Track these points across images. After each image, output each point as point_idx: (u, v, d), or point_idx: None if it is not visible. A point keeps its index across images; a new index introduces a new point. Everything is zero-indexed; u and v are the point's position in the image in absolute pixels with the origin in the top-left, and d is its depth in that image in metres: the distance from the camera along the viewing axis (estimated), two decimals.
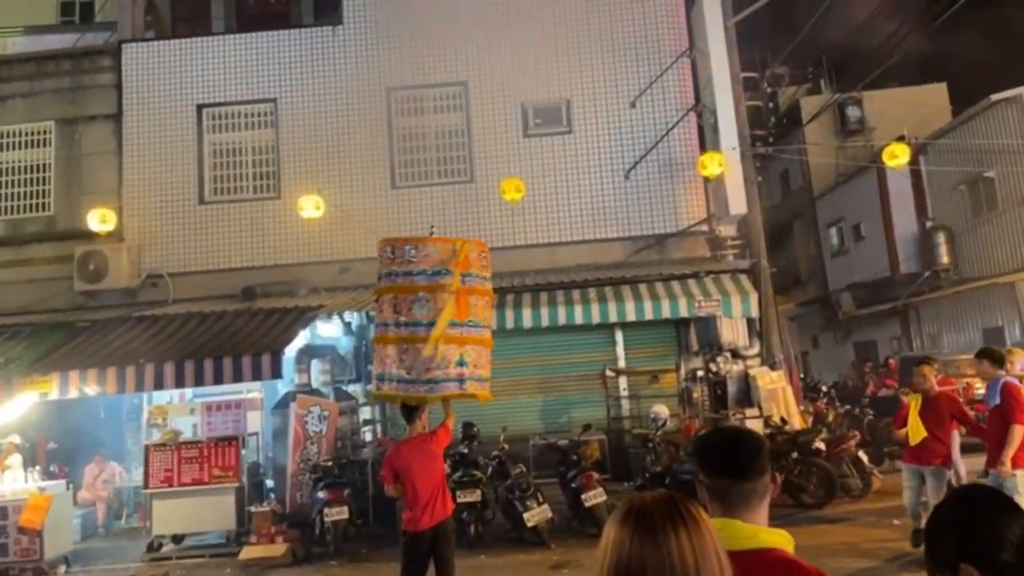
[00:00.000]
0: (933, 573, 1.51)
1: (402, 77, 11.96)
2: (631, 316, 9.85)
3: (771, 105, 21.97)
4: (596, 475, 8.08)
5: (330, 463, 9.18)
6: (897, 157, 10.24)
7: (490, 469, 8.42)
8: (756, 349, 10.73)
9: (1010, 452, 5.38)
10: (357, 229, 11.46)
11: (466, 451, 8.67)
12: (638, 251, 11.44)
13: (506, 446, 8.72)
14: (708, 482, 1.75)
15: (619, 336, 11.29)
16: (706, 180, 11.08)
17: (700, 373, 10.60)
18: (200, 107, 12.07)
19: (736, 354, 10.65)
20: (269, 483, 10.28)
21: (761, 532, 1.70)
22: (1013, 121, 16.16)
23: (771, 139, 19.74)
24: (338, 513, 8.33)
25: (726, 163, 10.22)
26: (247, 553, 8.35)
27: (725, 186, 10.66)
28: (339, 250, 11.54)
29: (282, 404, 10.28)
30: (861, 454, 9.11)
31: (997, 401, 5.60)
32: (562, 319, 9.85)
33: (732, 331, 10.55)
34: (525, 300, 9.95)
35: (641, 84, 11.63)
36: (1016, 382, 5.78)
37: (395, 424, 10.99)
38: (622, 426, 10.81)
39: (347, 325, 11.56)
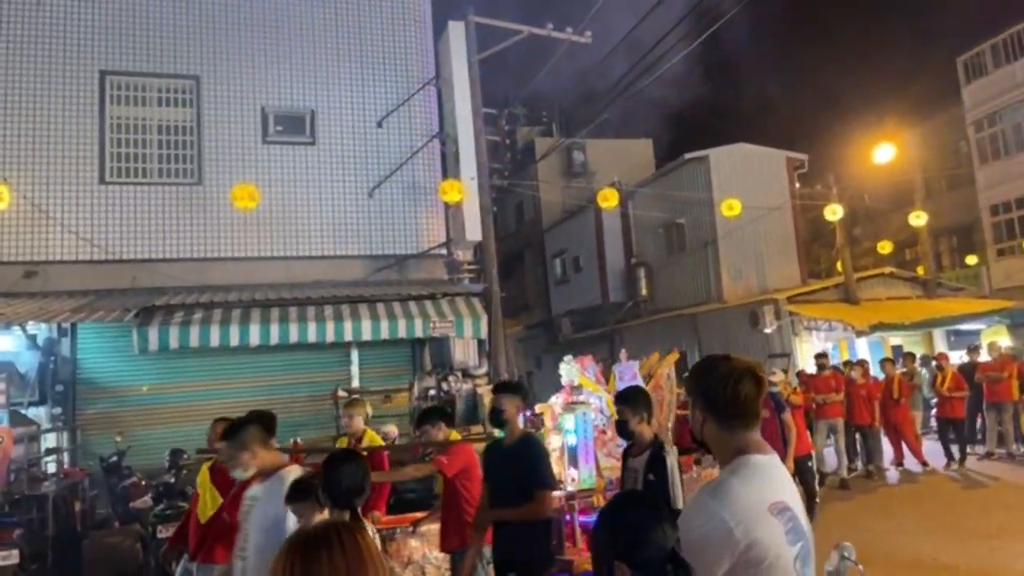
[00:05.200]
0: (597, 571, 1.71)
1: (121, 62, 10.67)
2: (367, 335, 9.76)
3: (508, 142, 23.60)
4: None
5: None
6: (608, 200, 11.62)
7: None
8: (485, 369, 11.29)
9: None
10: (53, 226, 9.91)
11: (172, 481, 7.86)
12: (378, 270, 11.43)
13: None
14: None
15: (355, 355, 11.11)
16: (446, 206, 11.47)
17: (432, 392, 10.86)
18: None
19: (466, 373, 11.12)
20: None
21: None
22: (701, 177, 19.26)
23: (507, 173, 21.20)
24: (4, 558, 7.00)
25: (465, 191, 10.69)
26: None
27: (463, 213, 11.15)
28: (26, 250, 9.86)
29: None
30: None
31: None
32: (294, 337, 9.42)
33: (464, 351, 11.00)
34: (253, 316, 9.35)
35: (388, 105, 11.73)
36: None
37: (87, 453, 9.59)
38: None
39: (31, 338, 9.84)
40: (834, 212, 15.84)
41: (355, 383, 11.03)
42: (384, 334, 9.78)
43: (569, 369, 6.60)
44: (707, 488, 1.97)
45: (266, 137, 11.25)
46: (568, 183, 24.05)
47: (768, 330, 15.98)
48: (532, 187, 21.79)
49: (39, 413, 9.60)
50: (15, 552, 7.13)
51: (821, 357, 11.61)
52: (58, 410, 9.78)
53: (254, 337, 9.10)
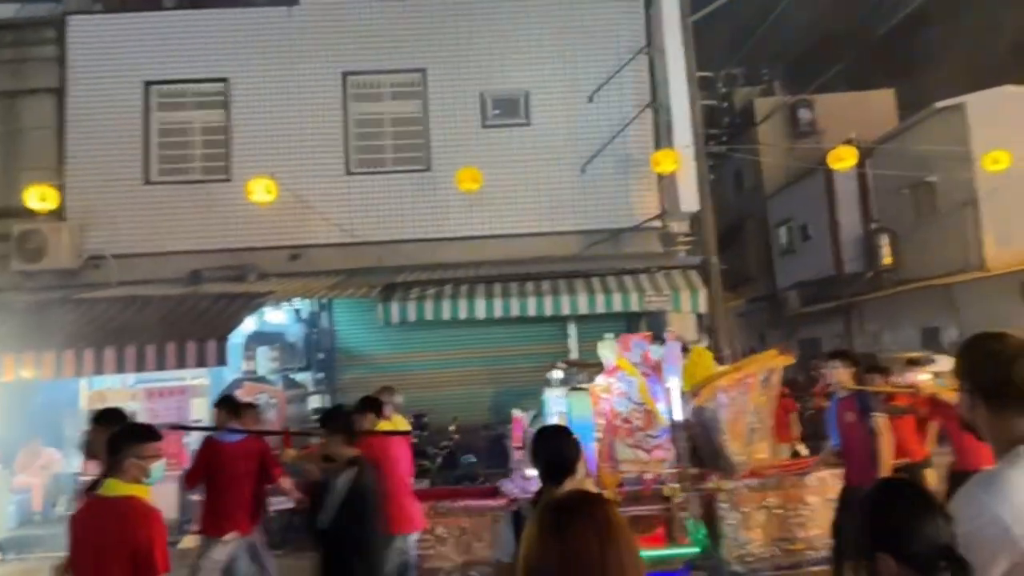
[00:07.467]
0: (848, 562, 1.58)
1: (359, 62, 11.80)
2: (583, 309, 9.94)
3: (725, 105, 22.35)
4: None
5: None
6: (844, 160, 10.55)
7: (439, 459, 8.42)
8: (704, 344, 10.93)
9: None
10: (310, 214, 11.29)
11: (416, 441, 8.68)
12: (592, 245, 11.53)
13: (456, 436, 8.74)
14: None
15: (572, 329, 11.38)
16: (660, 177, 11.22)
17: None
18: (148, 84, 11.70)
19: (685, 349, 10.84)
20: None
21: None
22: (956, 129, 16.76)
23: (725, 139, 20.16)
24: (281, 502, 8.22)
25: (680, 161, 10.36)
26: (187, 542, 8.21)
27: (678, 183, 10.83)
28: (290, 235, 11.36)
29: (228, 391, 10.09)
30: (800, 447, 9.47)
31: None
32: (515, 311, 9.89)
33: (681, 325, 10.74)
34: (479, 291, 9.96)
35: (599, 79, 11.69)
36: None
37: None
38: None
39: (296, 312, 11.40)
40: None
41: (573, 355, 11.30)
42: (600, 307, 9.89)
43: (608, 350, 5.90)
44: (979, 479, 1.74)
45: (485, 121, 11.80)
46: (793, 144, 22.25)
47: None
48: (753, 152, 20.51)
49: (305, 378, 11.13)
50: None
51: None
52: (321, 375, 11.25)
53: (480, 311, 9.70)
